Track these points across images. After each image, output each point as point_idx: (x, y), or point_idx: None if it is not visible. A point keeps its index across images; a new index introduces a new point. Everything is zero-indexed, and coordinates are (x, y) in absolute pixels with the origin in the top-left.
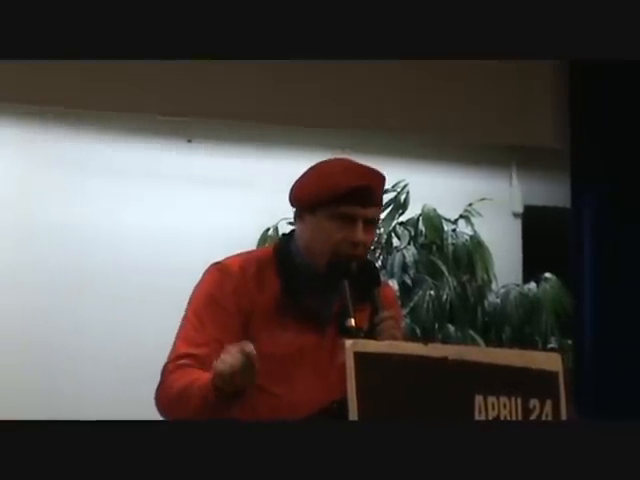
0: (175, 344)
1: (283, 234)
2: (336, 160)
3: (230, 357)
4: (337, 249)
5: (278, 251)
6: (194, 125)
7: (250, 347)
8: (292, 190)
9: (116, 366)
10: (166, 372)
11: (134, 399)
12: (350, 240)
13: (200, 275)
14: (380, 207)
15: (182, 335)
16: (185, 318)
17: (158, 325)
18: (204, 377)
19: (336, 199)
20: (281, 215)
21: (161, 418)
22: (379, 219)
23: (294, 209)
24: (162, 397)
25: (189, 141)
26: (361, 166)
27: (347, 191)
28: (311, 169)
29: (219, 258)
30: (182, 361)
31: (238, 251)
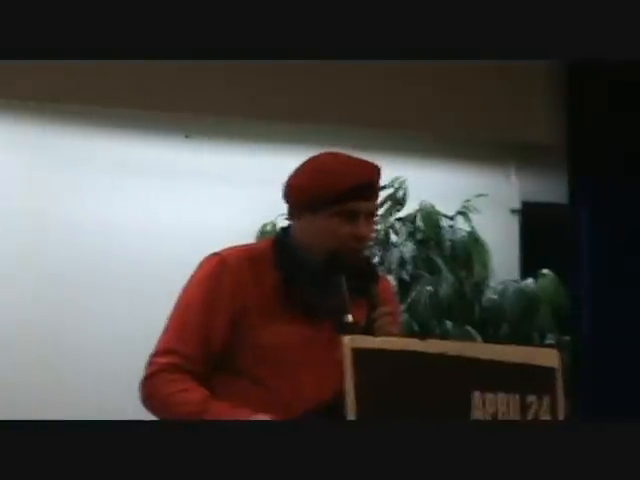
0: (164, 334)
1: (281, 228)
2: (328, 155)
3: None
4: (341, 245)
5: (277, 244)
6: (192, 121)
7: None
8: (287, 189)
9: (120, 364)
10: (152, 369)
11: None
12: (356, 235)
13: None
14: (378, 199)
15: (171, 325)
16: (177, 306)
17: (159, 318)
18: (193, 398)
19: (342, 198)
20: (279, 210)
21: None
22: (378, 211)
23: (289, 206)
24: (148, 401)
25: (187, 137)
26: (357, 160)
27: (353, 189)
28: (304, 166)
29: None
30: (168, 359)
31: None
